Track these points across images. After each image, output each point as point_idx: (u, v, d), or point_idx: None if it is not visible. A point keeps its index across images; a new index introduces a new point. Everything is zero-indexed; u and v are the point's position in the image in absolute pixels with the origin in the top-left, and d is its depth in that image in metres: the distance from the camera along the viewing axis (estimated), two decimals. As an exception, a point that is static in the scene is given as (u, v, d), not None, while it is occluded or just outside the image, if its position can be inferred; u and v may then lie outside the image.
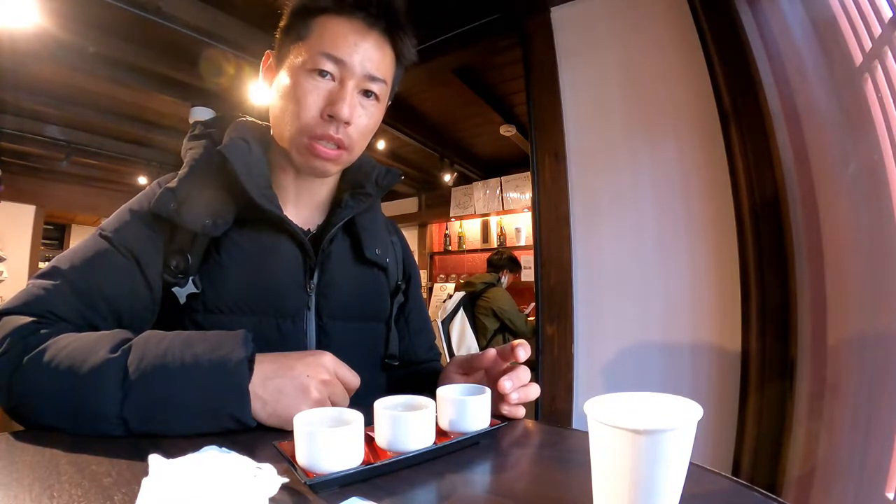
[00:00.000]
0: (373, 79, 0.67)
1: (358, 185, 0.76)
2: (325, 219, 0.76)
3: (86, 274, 0.61)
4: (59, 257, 0.63)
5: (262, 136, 0.74)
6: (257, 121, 0.78)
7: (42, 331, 0.55)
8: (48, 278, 0.60)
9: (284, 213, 0.68)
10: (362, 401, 0.59)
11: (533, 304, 3.52)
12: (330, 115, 0.64)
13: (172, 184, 0.65)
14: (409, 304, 0.86)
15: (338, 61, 0.64)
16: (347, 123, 0.66)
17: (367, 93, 0.68)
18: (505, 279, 3.20)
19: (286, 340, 0.67)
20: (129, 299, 0.62)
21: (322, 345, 0.70)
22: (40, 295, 0.58)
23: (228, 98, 2.95)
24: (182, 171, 0.67)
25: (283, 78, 0.67)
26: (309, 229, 0.74)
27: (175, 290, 0.64)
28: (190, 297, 0.64)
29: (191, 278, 0.64)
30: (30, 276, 0.65)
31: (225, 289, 0.65)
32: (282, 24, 0.69)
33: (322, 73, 0.65)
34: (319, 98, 0.65)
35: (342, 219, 0.72)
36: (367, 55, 0.66)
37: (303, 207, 0.75)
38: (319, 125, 0.65)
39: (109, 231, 0.64)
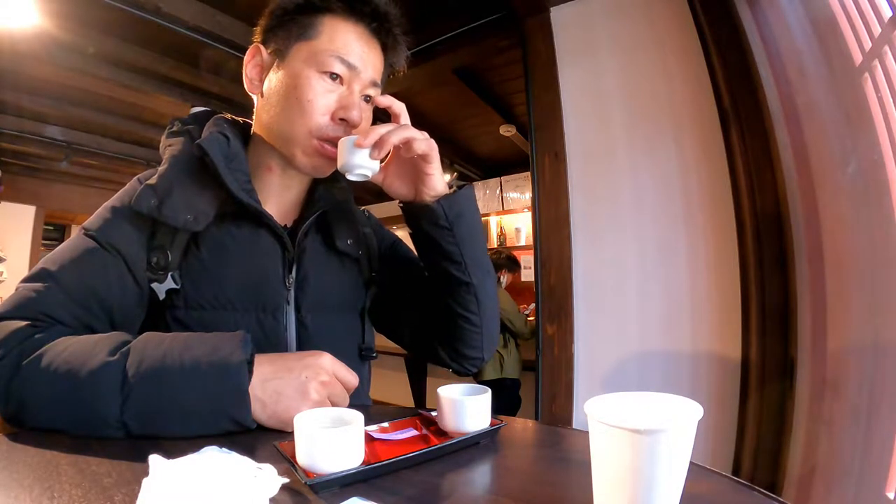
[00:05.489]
0: (375, 84, 0.70)
1: (332, 178, 0.76)
2: (299, 213, 0.76)
3: (75, 274, 0.60)
4: (46, 259, 0.62)
5: (242, 132, 0.74)
6: (237, 118, 0.77)
7: (37, 335, 0.54)
8: (38, 280, 0.59)
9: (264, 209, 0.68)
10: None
11: (533, 305, 3.51)
12: (342, 118, 0.66)
13: (152, 180, 0.64)
14: (402, 266, 0.85)
15: (350, 66, 0.66)
16: (354, 126, 0.67)
17: (366, 97, 0.70)
18: (504, 279, 3.20)
19: (267, 335, 0.67)
20: (120, 297, 0.62)
21: (302, 338, 0.70)
22: (32, 297, 0.58)
23: (228, 98, 2.95)
24: (162, 168, 0.67)
25: (286, 77, 0.66)
26: (286, 224, 0.74)
27: (154, 285, 0.64)
28: (170, 292, 0.64)
29: (170, 274, 0.64)
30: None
31: (205, 284, 0.65)
32: (275, 12, 0.68)
33: (332, 76, 0.66)
34: (331, 101, 0.66)
35: (315, 212, 0.73)
36: (372, 61, 0.69)
37: (283, 204, 0.75)
38: (331, 128, 0.66)
39: (94, 229, 0.63)
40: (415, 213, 0.68)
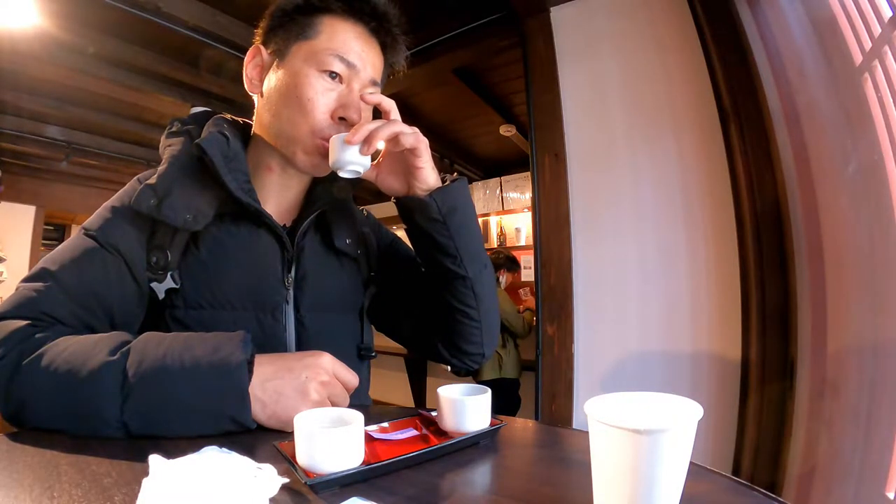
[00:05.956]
0: (374, 83, 0.70)
1: (331, 177, 0.75)
2: (298, 212, 0.76)
3: (75, 274, 0.60)
4: (46, 258, 0.62)
5: (242, 132, 0.74)
6: (237, 118, 0.77)
7: (38, 334, 0.54)
8: (38, 280, 0.59)
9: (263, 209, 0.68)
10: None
11: (525, 291, 3.48)
12: (342, 117, 0.66)
13: (152, 180, 0.64)
14: (401, 264, 0.85)
15: (349, 65, 0.67)
16: (354, 125, 0.67)
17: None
18: (503, 279, 3.20)
19: (266, 335, 0.67)
20: (120, 297, 0.62)
21: (301, 338, 0.70)
22: (32, 297, 0.58)
23: (228, 98, 2.95)
24: (161, 168, 0.67)
25: (286, 76, 0.67)
26: (285, 224, 0.74)
27: (154, 285, 0.64)
28: (170, 292, 0.64)
29: (170, 274, 0.64)
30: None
31: (204, 284, 0.65)
32: (274, 13, 0.69)
33: (332, 75, 0.66)
34: (330, 100, 0.66)
35: (314, 212, 0.73)
36: (372, 60, 0.70)
37: (282, 204, 0.75)
38: (330, 126, 0.66)
39: (94, 229, 0.63)
40: (408, 207, 0.68)
